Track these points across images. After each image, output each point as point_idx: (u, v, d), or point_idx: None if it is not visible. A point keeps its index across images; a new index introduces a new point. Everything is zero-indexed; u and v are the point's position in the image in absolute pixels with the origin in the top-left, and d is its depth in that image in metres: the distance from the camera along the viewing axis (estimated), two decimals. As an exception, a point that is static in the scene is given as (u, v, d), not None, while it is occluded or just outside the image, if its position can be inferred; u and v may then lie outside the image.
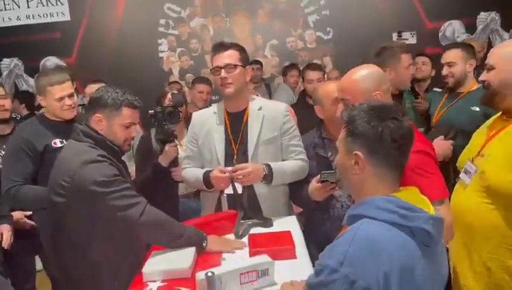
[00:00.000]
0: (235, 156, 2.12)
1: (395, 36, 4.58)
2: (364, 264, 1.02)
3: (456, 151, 2.17)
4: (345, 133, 1.18)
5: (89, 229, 1.74)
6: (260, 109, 2.17)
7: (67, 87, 2.32)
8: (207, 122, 2.21)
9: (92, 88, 3.11)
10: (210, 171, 2.08)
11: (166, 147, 2.53)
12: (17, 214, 2.65)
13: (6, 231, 2.49)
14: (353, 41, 5.18)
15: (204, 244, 1.78)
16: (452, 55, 2.68)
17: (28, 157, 2.25)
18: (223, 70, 2.08)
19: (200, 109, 3.05)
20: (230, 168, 2.02)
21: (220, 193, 2.15)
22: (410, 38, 4.59)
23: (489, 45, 5.25)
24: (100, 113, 1.81)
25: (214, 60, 2.14)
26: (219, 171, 2.02)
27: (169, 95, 2.83)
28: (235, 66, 2.09)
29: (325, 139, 2.19)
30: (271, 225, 2.03)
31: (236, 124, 2.16)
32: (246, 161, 2.09)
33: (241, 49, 2.16)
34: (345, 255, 1.03)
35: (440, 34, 5.40)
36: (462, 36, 5.32)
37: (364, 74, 1.70)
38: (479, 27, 5.39)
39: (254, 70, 4.66)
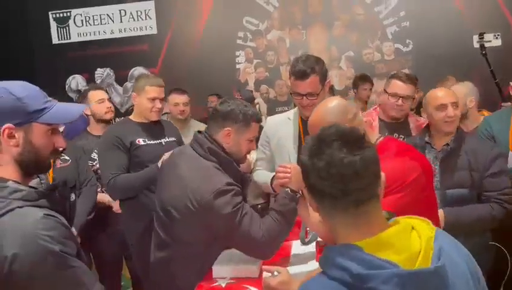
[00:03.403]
0: None
1: (476, 38, 4.18)
2: None
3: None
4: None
5: (191, 246, 1.75)
6: None
7: (161, 92, 2.57)
8: (281, 128, 2.27)
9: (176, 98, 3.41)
10: None
11: None
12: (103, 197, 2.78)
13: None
14: (433, 54, 4.98)
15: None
16: None
17: (120, 152, 2.45)
18: (304, 97, 2.11)
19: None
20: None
21: None
22: (493, 40, 4.17)
23: None
24: (230, 127, 1.79)
25: (294, 85, 2.14)
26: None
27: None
28: (317, 94, 2.10)
29: (427, 143, 2.21)
30: None
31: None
32: None
33: (320, 68, 2.12)
34: None
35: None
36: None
37: (324, 116, 1.53)
38: None
39: None
